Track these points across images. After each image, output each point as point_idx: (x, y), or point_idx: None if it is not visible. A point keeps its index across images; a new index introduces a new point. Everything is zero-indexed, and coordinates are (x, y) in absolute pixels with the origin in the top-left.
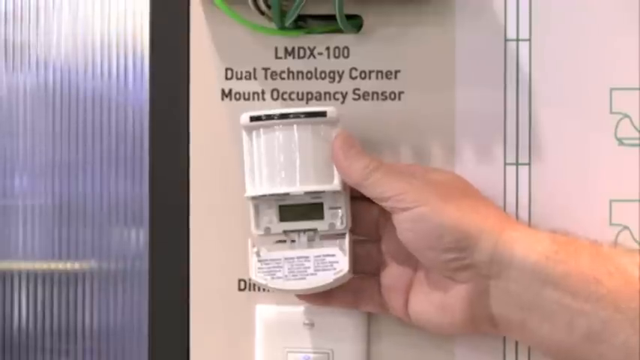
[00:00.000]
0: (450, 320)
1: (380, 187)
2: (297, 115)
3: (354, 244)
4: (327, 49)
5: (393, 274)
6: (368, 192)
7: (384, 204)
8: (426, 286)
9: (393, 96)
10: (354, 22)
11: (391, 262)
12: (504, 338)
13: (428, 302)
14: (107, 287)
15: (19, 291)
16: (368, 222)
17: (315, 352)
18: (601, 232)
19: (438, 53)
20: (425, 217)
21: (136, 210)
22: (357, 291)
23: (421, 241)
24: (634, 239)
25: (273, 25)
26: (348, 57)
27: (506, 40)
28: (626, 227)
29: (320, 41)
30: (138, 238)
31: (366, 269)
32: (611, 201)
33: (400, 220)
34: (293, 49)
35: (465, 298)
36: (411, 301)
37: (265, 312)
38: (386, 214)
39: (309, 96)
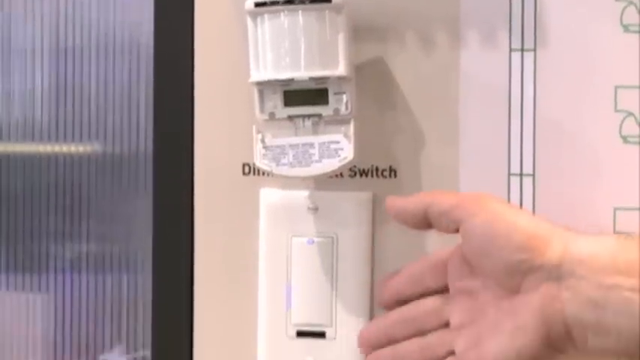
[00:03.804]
0: (523, 342)
1: (450, 198)
2: (302, 1)
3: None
4: None
5: (466, 340)
6: (437, 208)
7: (453, 214)
8: (495, 323)
9: None
10: None
11: (462, 331)
12: None
13: (499, 337)
14: (111, 169)
15: (23, 172)
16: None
17: (319, 237)
18: None
19: None
20: (499, 215)
21: (139, 94)
22: None
23: (492, 242)
24: None
25: None
26: None
27: None
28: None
29: None
30: (139, 120)
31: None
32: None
33: (471, 226)
34: None
35: (537, 307)
36: (484, 350)
37: (269, 196)
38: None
39: None
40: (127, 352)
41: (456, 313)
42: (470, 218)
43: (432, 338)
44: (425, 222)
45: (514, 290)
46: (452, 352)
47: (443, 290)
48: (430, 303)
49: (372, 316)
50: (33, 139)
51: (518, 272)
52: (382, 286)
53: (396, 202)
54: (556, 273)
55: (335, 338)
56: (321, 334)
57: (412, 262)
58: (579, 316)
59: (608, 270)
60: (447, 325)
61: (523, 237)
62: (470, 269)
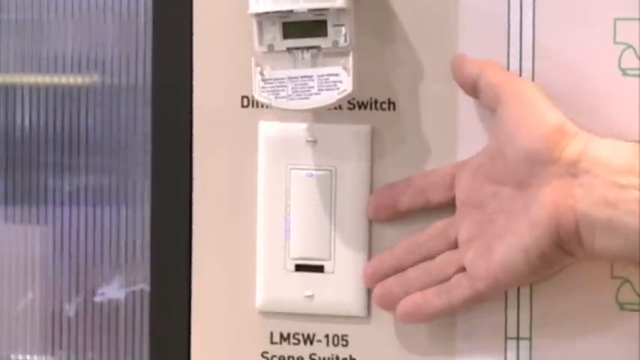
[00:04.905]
0: (533, 237)
1: (498, 74)
2: None
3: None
4: None
5: (475, 250)
6: (487, 80)
7: (497, 89)
8: (504, 227)
9: None
10: None
11: (470, 244)
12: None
13: (508, 239)
14: (110, 101)
15: (22, 104)
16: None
17: (317, 169)
18: None
19: None
20: (532, 103)
21: (139, 25)
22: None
23: (519, 128)
24: None
25: None
26: None
27: None
28: None
29: None
30: (138, 51)
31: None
32: None
33: (505, 109)
34: None
35: (549, 201)
36: (492, 256)
37: (268, 128)
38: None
39: None
40: (126, 286)
41: (463, 227)
42: (506, 101)
43: (439, 259)
44: (473, 89)
45: (526, 185)
46: (461, 269)
47: (441, 206)
48: (435, 227)
49: (370, 250)
50: (31, 70)
51: (536, 162)
52: (379, 194)
53: (460, 61)
54: (572, 169)
55: (333, 272)
56: (319, 268)
57: (415, 175)
58: (590, 213)
59: (623, 171)
60: (454, 246)
61: (548, 128)
62: (481, 179)
